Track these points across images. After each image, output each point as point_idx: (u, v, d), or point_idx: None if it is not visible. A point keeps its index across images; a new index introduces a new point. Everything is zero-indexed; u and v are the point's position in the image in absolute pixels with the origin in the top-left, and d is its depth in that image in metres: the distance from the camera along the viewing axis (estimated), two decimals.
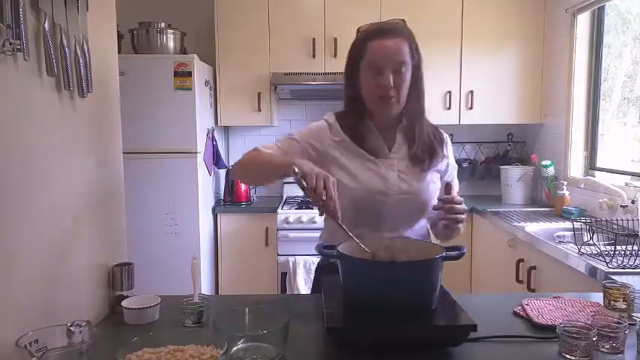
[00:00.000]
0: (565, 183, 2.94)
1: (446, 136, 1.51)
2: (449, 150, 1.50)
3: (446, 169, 1.48)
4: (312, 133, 1.42)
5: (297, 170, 1.15)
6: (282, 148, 1.39)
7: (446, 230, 1.41)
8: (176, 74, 2.86)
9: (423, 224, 1.47)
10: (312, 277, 1.62)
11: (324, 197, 1.12)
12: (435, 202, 1.39)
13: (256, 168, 1.37)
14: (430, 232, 1.52)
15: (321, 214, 1.15)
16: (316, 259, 1.99)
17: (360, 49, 1.36)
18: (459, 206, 1.29)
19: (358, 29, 1.39)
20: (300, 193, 3.59)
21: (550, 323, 1.12)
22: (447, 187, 1.32)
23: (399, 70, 1.32)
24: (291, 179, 1.21)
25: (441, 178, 1.46)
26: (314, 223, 2.98)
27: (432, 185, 1.41)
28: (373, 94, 1.35)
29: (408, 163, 1.40)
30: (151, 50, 2.98)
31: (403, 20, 1.38)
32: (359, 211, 1.27)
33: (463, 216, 1.30)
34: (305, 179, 1.13)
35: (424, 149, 1.41)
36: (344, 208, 1.18)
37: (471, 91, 3.34)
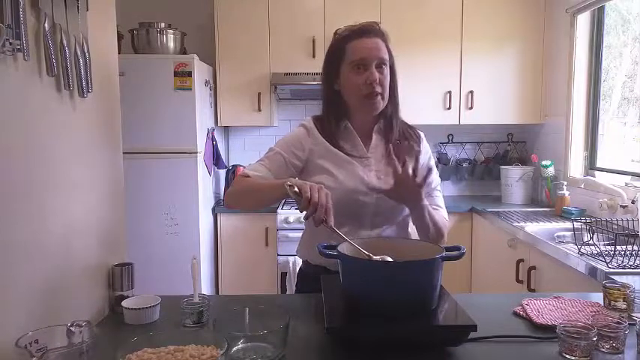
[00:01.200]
0: (565, 183, 2.94)
1: (422, 134, 1.52)
2: (425, 147, 1.50)
3: (422, 166, 1.47)
4: (293, 142, 1.42)
5: (290, 184, 1.17)
6: (270, 168, 1.39)
7: (417, 223, 1.41)
8: (176, 74, 2.86)
9: (402, 223, 1.46)
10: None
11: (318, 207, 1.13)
12: None
13: (251, 196, 1.37)
14: (409, 230, 1.51)
15: (317, 225, 1.15)
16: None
17: (339, 51, 1.37)
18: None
19: (335, 32, 1.40)
20: None
21: (550, 323, 1.12)
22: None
23: (381, 67, 1.34)
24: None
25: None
26: None
27: None
28: (359, 93, 1.35)
29: (384, 162, 1.41)
30: (151, 50, 2.98)
31: (377, 23, 1.39)
32: (340, 211, 1.26)
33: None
34: (300, 192, 1.15)
35: (399, 147, 1.42)
36: None
37: (471, 91, 3.34)
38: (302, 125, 1.46)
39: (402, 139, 1.44)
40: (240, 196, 1.39)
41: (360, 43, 1.34)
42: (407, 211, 1.42)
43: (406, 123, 1.49)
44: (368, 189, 1.35)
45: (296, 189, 1.17)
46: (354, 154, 1.41)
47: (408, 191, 1.30)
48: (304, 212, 1.16)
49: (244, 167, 3.37)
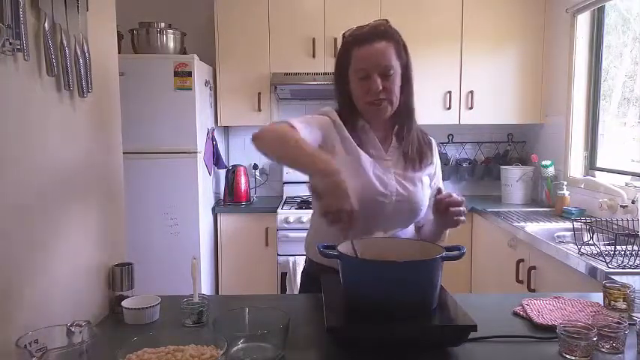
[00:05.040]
0: (565, 183, 2.94)
1: (433, 140, 1.51)
2: (435, 154, 1.50)
3: (435, 173, 1.49)
4: (325, 127, 1.37)
5: (313, 186, 1.09)
6: (309, 134, 1.27)
7: (434, 232, 1.42)
8: (176, 74, 2.86)
9: (410, 228, 1.46)
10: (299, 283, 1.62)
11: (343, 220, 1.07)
12: (426, 205, 1.41)
13: (291, 153, 1.18)
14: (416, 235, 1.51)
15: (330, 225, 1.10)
16: None
17: (346, 57, 1.35)
18: (457, 198, 1.31)
19: (343, 34, 1.38)
20: (300, 193, 3.58)
21: (550, 323, 1.12)
22: (439, 191, 1.35)
23: (387, 73, 1.31)
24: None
25: (430, 181, 1.47)
26: None
27: (426, 189, 1.42)
28: (363, 100, 1.34)
29: (402, 166, 1.40)
30: (151, 50, 2.98)
31: (386, 20, 1.36)
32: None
33: (463, 208, 1.31)
34: (319, 196, 1.08)
35: (415, 150, 1.41)
36: None
37: (471, 91, 3.34)
38: (326, 115, 1.41)
39: (417, 144, 1.43)
40: (280, 143, 1.20)
41: (364, 51, 1.31)
42: (420, 215, 1.42)
43: (419, 128, 1.47)
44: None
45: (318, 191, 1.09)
46: (374, 154, 1.39)
47: (449, 216, 1.30)
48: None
49: (243, 167, 3.37)
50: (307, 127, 1.29)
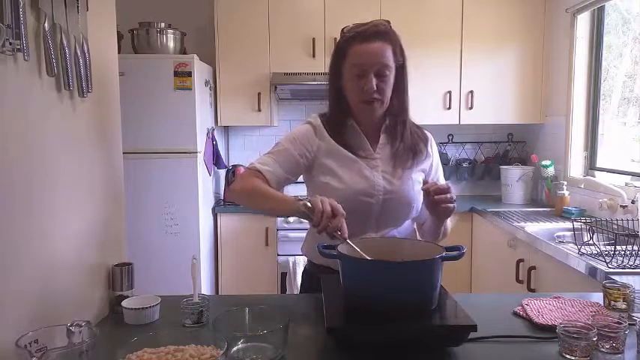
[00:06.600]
0: (565, 183, 2.94)
1: (429, 135, 1.51)
2: (433, 149, 1.50)
3: (430, 168, 1.48)
4: (301, 139, 1.40)
5: (301, 199, 1.20)
6: (279, 162, 1.37)
7: (432, 227, 1.42)
8: (176, 74, 2.86)
9: (408, 225, 1.46)
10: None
11: (330, 222, 1.14)
12: (420, 202, 1.40)
13: (258, 202, 1.35)
14: (417, 233, 1.51)
15: (331, 237, 1.16)
16: None
17: (342, 52, 1.35)
18: (442, 186, 1.30)
19: (342, 30, 1.38)
20: (300, 193, 3.61)
21: (550, 323, 1.12)
22: (424, 182, 1.35)
23: (383, 73, 1.32)
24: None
25: (426, 177, 1.46)
26: None
27: (417, 185, 1.41)
28: (357, 98, 1.35)
29: (392, 163, 1.40)
30: (151, 50, 2.98)
31: (388, 21, 1.36)
32: (345, 212, 1.27)
33: (453, 196, 1.30)
34: (312, 205, 1.17)
35: (406, 147, 1.41)
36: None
37: (471, 91, 3.34)
38: (308, 122, 1.44)
39: (410, 141, 1.43)
40: (247, 198, 1.36)
41: (362, 49, 1.31)
42: (413, 213, 1.42)
43: (414, 124, 1.47)
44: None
45: (308, 204, 1.18)
46: (361, 153, 1.39)
47: (440, 207, 1.31)
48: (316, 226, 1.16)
49: (243, 167, 3.37)
50: (273, 158, 1.38)
